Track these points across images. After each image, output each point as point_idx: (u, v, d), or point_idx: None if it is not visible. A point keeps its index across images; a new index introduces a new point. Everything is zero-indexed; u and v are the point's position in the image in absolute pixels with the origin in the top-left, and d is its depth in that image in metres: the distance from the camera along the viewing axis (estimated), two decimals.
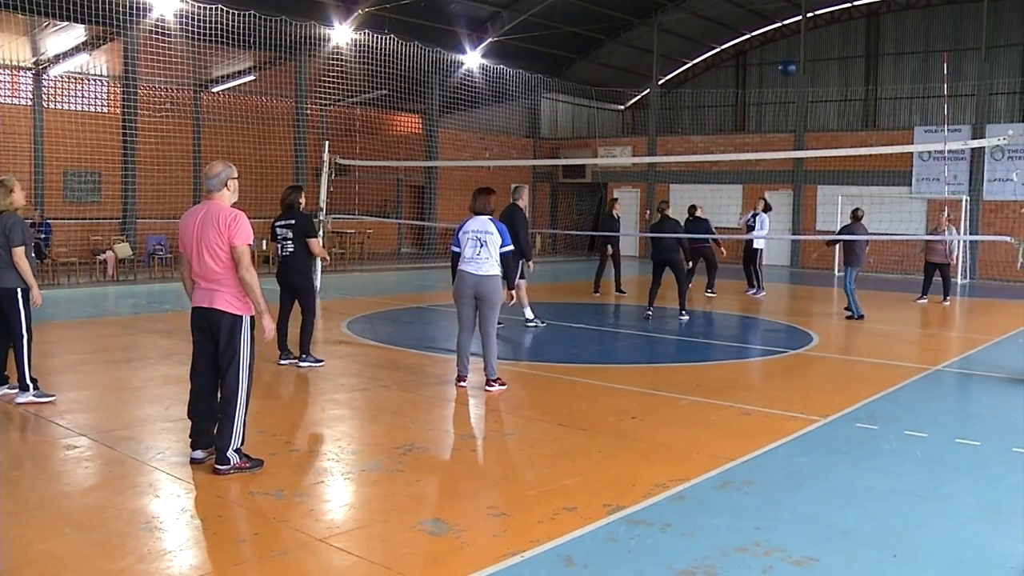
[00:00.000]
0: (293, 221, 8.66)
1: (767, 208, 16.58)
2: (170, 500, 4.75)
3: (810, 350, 10.42)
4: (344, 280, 18.01)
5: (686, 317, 12.55)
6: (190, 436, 5.41)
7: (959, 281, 19.49)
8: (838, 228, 15.41)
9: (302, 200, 8.80)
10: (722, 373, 8.93)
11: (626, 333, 11.67)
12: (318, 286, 11.71)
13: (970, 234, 20.75)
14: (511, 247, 7.72)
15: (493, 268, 7.59)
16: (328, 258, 9.37)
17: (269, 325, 5.25)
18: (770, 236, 16.48)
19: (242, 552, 4.07)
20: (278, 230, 8.75)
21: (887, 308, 14.94)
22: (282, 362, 8.72)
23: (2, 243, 6.71)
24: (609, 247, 16.26)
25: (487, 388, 7.62)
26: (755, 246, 16.53)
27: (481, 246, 7.55)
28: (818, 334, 11.55)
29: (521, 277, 11.26)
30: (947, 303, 15.38)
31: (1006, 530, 4.56)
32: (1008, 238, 11.07)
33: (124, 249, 18.26)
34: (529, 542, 4.18)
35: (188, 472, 5.21)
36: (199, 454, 5.36)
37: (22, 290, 6.81)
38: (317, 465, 5.47)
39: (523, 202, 11.21)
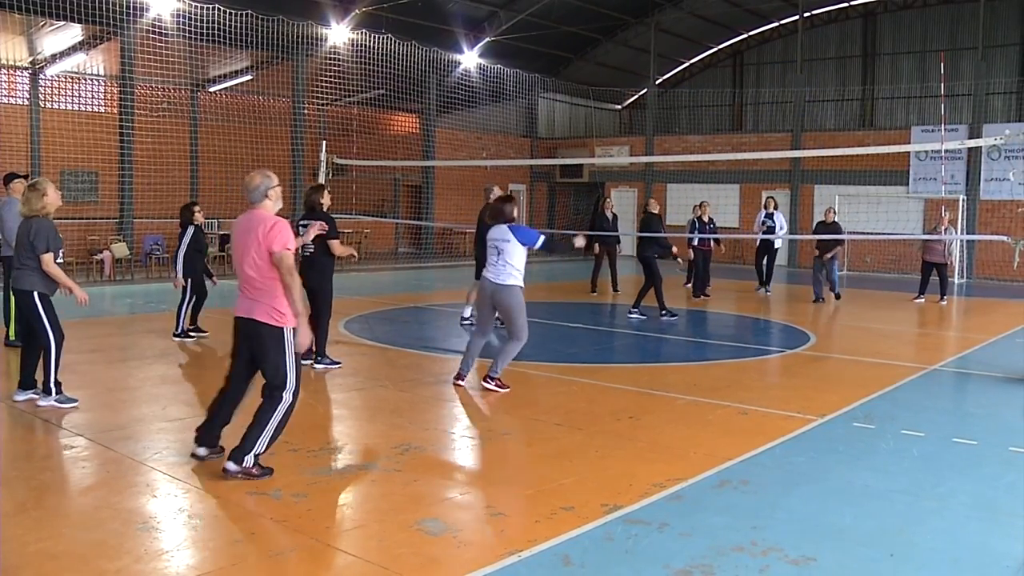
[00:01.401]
0: (314, 221, 8.64)
1: (776, 206, 16.79)
2: (167, 500, 4.75)
3: (807, 349, 10.43)
4: (341, 280, 17.90)
5: (666, 317, 12.55)
6: (197, 430, 5.38)
7: (956, 280, 19.52)
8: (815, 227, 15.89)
9: (323, 200, 8.72)
10: (719, 372, 8.94)
11: (623, 333, 11.68)
12: None
13: (967, 233, 20.78)
14: (538, 240, 7.61)
15: (510, 277, 7.53)
16: (356, 255, 9.34)
17: (305, 334, 5.16)
18: (769, 236, 16.58)
19: (239, 552, 4.07)
20: (299, 230, 8.74)
21: (884, 308, 14.97)
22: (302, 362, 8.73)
23: (27, 247, 6.58)
24: (596, 245, 16.27)
25: (484, 382, 7.61)
26: (776, 245, 16.81)
27: (498, 254, 7.55)
28: (815, 333, 11.56)
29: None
30: (944, 303, 15.40)
31: (1002, 529, 4.57)
32: (1005, 237, 11.10)
33: (121, 249, 18.23)
34: (527, 542, 4.18)
35: (185, 472, 5.20)
36: (202, 451, 5.35)
37: (39, 294, 6.64)
38: (314, 465, 5.47)
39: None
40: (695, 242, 15.48)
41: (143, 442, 5.89)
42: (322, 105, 23.97)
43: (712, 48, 31.91)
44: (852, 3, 28.54)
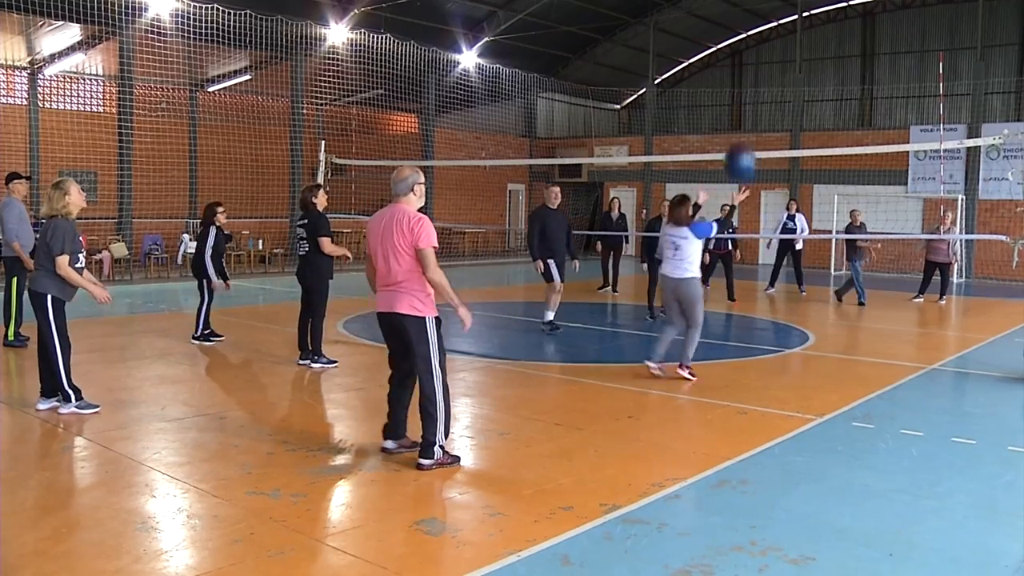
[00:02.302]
0: (307, 221, 8.66)
1: (798, 208, 17.05)
2: (166, 500, 4.75)
3: (806, 349, 10.43)
4: (340, 279, 17.93)
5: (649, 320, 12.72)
6: (384, 426, 5.62)
7: (955, 280, 19.53)
8: (845, 228, 15.76)
9: (316, 199, 8.71)
10: (718, 372, 8.93)
11: (622, 332, 11.67)
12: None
13: (966, 233, 20.78)
14: (712, 229, 8.31)
15: (687, 272, 8.12)
16: (349, 255, 9.24)
17: (466, 315, 5.38)
18: (780, 236, 16.70)
19: (238, 552, 4.07)
20: (297, 230, 8.81)
21: (883, 307, 14.96)
22: (301, 362, 8.74)
23: (44, 248, 6.46)
24: (599, 244, 16.68)
25: (679, 371, 8.10)
26: (798, 247, 16.90)
27: (676, 249, 8.14)
28: (814, 333, 11.56)
29: (549, 280, 11.07)
30: (943, 302, 15.42)
31: (1001, 528, 4.57)
32: (1003, 237, 11.11)
33: (120, 249, 18.22)
34: (525, 541, 4.18)
35: (184, 472, 5.20)
36: (389, 444, 5.57)
37: (53, 297, 6.49)
38: (313, 465, 5.46)
39: (551, 203, 11.06)
40: (711, 245, 15.51)
41: (142, 442, 5.89)
42: (321, 105, 23.96)
43: (711, 48, 31.90)
44: (851, 3, 28.53)
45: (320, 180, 14.12)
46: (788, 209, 16.84)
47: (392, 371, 5.67)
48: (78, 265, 6.58)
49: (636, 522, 4.48)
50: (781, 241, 16.70)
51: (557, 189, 11.26)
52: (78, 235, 6.61)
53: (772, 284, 16.96)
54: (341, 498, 4.95)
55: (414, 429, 5.53)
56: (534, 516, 4.56)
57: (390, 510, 4.72)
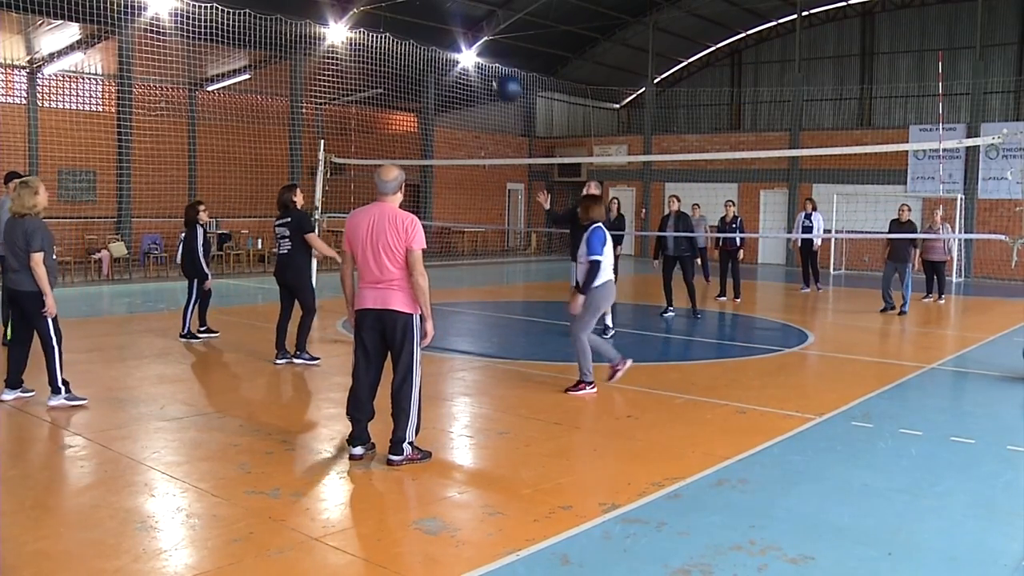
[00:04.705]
0: (289, 219, 8.69)
1: (815, 207, 17.20)
2: (165, 499, 4.74)
3: (805, 348, 10.43)
4: (337, 278, 17.95)
5: (666, 315, 12.87)
6: (351, 435, 5.56)
7: (954, 279, 19.54)
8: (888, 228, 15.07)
9: (296, 198, 8.78)
10: (717, 371, 8.94)
11: (621, 332, 11.66)
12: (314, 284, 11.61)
13: (965, 232, 20.79)
14: (596, 256, 7.38)
15: None
16: (339, 258, 9.12)
17: (430, 329, 5.48)
18: (807, 235, 16.75)
19: (237, 551, 4.07)
20: (276, 230, 8.80)
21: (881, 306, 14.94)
22: (278, 362, 8.72)
23: (23, 247, 6.57)
24: None
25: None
26: (814, 247, 17.09)
27: None
28: (813, 332, 11.57)
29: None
30: (942, 301, 15.43)
31: (1000, 528, 4.57)
32: (1003, 236, 11.10)
33: (119, 248, 18.23)
34: (525, 541, 4.18)
35: (183, 471, 5.20)
36: (358, 451, 5.52)
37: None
38: (312, 464, 5.47)
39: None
40: (719, 242, 15.57)
41: (141, 441, 5.89)
42: (320, 104, 23.95)
43: (710, 47, 31.91)
44: (850, 2, 28.53)
45: (319, 180, 14.11)
46: (805, 208, 17.10)
47: (361, 377, 5.53)
48: (54, 258, 6.80)
49: (635, 521, 4.48)
50: (803, 240, 16.92)
51: (592, 183, 10.80)
52: (48, 230, 6.78)
53: (807, 284, 17.15)
54: (340, 497, 4.95)
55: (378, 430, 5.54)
56: (533, 515, 4.56)
57: (389, 509, 4.72)
